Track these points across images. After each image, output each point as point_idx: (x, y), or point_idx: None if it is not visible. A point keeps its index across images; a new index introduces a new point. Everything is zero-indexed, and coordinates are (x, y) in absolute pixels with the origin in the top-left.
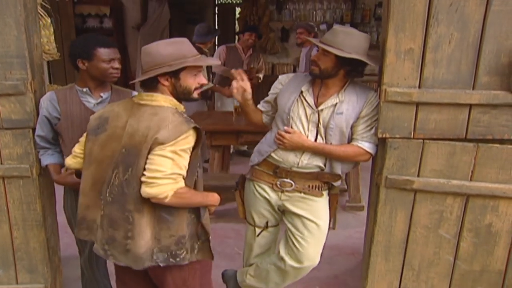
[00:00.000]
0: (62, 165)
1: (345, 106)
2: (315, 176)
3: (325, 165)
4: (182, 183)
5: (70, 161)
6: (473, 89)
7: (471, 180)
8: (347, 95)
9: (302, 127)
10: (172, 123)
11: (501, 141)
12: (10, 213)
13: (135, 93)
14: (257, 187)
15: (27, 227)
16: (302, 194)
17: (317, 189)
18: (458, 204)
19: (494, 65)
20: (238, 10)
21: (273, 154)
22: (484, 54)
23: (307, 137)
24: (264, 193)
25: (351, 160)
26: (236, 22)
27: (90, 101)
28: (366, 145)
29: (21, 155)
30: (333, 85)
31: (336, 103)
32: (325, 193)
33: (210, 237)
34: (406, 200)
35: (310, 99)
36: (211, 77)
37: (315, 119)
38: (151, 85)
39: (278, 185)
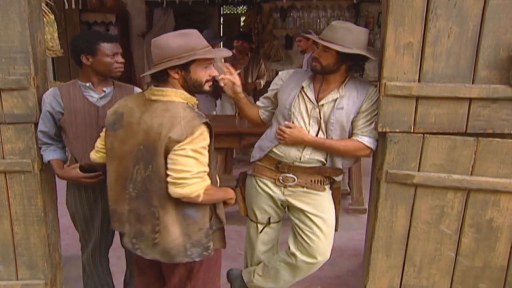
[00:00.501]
0: (64, 160)
1: (345, 101)
2: (317, 170)
3: (326, 160)
4: (208, 180)
5: (93, 156)
6: (472, 83)
7: (471, 174)
8: (347, 90)
9: (303, 122)
10: (184, 119)
11: (502, 135)
12: (11, 208)
13: (137, 88)
14: (259, 182)
15: (28, 223)
16: (305, 189)
17: (319, 183)
18: (459, 199)
19: (493, 59)
20: (243, 19)
21: (274, 149)
22: (483, 48)
23: (308, 132)
24: (267, 188)
25: (352, 155)
26: (241, 30)
27: (93, 95)
28: (366, 140)
29: (23, 150)
30: (334, 80)
31: (337, 98)
32: (327, 187)
33: (224, 225)
34: (407, 195)
35: (311, 95)
36: None
37: (316, 114)
38: (161, 78)
39: (281, 180)
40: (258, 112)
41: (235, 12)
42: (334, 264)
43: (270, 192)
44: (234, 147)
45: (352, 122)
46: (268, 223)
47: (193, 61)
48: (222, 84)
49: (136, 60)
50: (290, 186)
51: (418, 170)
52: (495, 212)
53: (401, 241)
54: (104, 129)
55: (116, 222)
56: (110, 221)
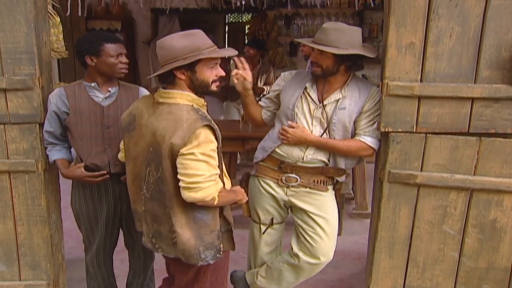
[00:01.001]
0: (70, 160)
1: (348, 101)
2: (320, 171)
3: (329, 160)
4: (221, 183)
5: (120, 155)
6: (474, 83)
7: (474, 174)
8: (349, 90)
9: (306, 123)
10: (187, 122)
11: (504, 135)
12: (15, 208)
13: (142, 89)
14: (262, 183)
15: (31, 223)
16: (308, 189)
17: (322, 183)
18: (462, 199)
19: (495, 59)
20: (247, 27)
21: (277, 150)
22: (485, 48)
23: (311, 132)
24: (270, 188)
25: (354, 155)
26: (246, 38)
27: (98, 95)
28: (369, 140)
29: (27, 149)
30: (336, 81)
31: (339, 99)
32: (330, 188)
33: (232, 227)
34: (410, 195)
35: (314, 95)
36: None
37: (319, 114)
38: (168, 79)
39: (284, 180)
40: (261, 112)
41: (240, 20)
42: (337, 267)
43: (273, 193)
44: (237, 151)
45: (354, 122)
46: (271, 224)
47: (199, 61)
48: (235, 80)
49: (142, 67)
50: (293, 186)
51: (421, 170)
52: (499, 212)
53: (404, 241)
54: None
55: (137, 221)
56: (114, 222)
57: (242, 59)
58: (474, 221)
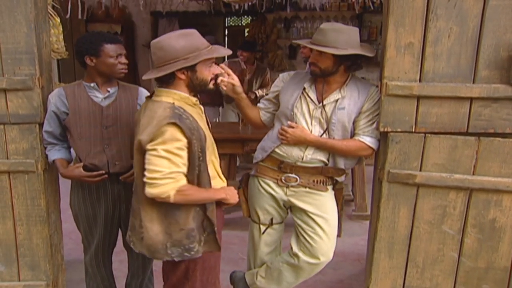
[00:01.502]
0: (69, 160)
1: (347, 101)
2: (319, 170)
3: (328, 160)
4: (183, 181)
5: None
6: (473, 82)
7: (473, 174)
8: (348, 90)
9: (306, 123)
10: (158, 119)
11: (503, 135)
12: (15, 209)
13: (141, 89)
14: (261, 183)
15: (31, 223)
16: (307, 189)
17: (321, 183)
18: (461, 199)
19: (493, 59)
20: (247, 30)
21: (277, 150)
22: (483, 48)
23: (311, 132)
24: (269, 188)
25: (354, 155)
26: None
27: (98, 95)
28: (368, 140)
29: (27, 150)
30: (335, 81)
31: (338, 99)
32: (329, 188)
33: (216, 228)
34: (409, 195)
35: (313, 95)
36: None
37: (318, 114)
38: (168, 80)
39: (283, 180)
40: (259, 113)
41: (239, 24)
42: (337, 268)
43: (273, 193)
44: (237, 153)
45: (353, 122)
46: (271, 224)
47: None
48: (223, 87)
49: (141, 70)
50: (292, 186)
51: (420, 170)
52: (498, 212)
53: (404, 241)
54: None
55: None
56: (113, 222)
57: (223, 65)
58: (473, 221)
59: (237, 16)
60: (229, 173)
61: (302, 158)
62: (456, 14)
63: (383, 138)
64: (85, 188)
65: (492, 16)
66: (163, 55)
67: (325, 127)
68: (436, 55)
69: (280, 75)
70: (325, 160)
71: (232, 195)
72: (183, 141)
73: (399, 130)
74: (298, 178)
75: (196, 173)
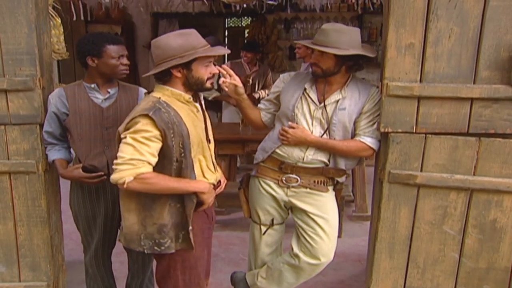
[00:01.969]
0: (68, 160)
1: (348, 101)
2: (320, 171)
3: (329, 161)
4: (144, 169)
5: None
6: (474, 83)
7: (474, 174)
8: (349, 91)
9: (307, 123)
10: (135, 111)
11: (504, 135)
12: (15, 209)
13: (141, 89)
14: (262, 183)
15: (32, 224)
16: (308, 190)
17: (322, 184)
18: (462, 200)
19: (494, 60)
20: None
21: (278, 150)
22: (484, 48)
23: (312, 133)
24: (270, 189)
25: (354, 155)
26: (245, 41)
27: (98, 97)
28: (369, 140)
29: (27, 150)
30: (335, 82)
31: (339, 99)
32: (330, 188)
33: (191, 228)
34: (410, 196)
35: (314, 96)
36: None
37: (319, 115)
38: (164, 78)
39: (284, 181)
40: (260, 114)
41: (239, 24)
42: (337, 269)
43: (273, 193)
44: (237, 153)
45: (354, 123)
46: (272, 224)
47: (195, 59)
48: (225, 88)
49: (142, 71)
50: (293, 186)
51: (421, 170)
52: (499, 212)
53: (404, 242)
54: None
55: None
56: (112, 222)
57: (225, 66)
58: (474, 221)
59: (237, 17)
60: (229, 174)
61: (303, 159)
62: (457, 15)
63: (383, 138)
64: (85, 188)
65: (492, 16)
66: (161, 53)
67: (325, 127)
68: (437, 55)
69: (281, 75)
70: (326, 160)
71: (203, 188)
72: (153, 132)
73: (399, 130)
74: (298, 179)
75: (174, 168)
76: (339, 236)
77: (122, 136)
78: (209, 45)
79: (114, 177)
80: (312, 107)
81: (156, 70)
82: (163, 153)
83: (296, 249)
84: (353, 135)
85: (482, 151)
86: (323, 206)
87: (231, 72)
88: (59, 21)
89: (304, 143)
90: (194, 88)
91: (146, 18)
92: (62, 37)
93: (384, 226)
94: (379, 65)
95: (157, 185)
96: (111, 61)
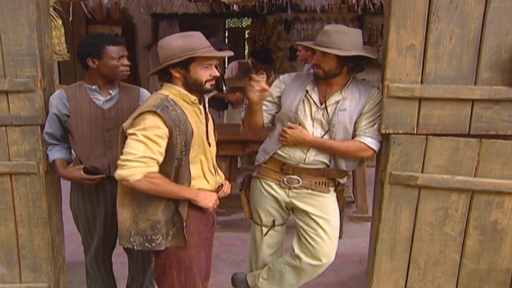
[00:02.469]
0: (69, 161)
1: (348, 102)
2: (321, 172)
3: (330, 162)
4: (154, 168)
5: None
6: (474, 84)
7: (475, 176)
8: (349, 92)
9: (309, 125)
10: (143, 107)
11: (505, 137)
12: (16, 210)
13: (142, 89)
14: (264, 184)
15: (32, 225)
16: (310, 191)
17: (323, 185)
18: (463, 201)
19: (495, 61)
20: (247, 31)
21: (279, 151)
22: (485, 50)
23: (313, 134)
24: (272, 190)
25: (354, 156)
26: (246, 42)
27: (99, 98)
28: (368, 141)
29: (28, 151)
30: (336, 83)
31: (339, 100)
32: (332, 189)
33: (185, 225)
34: (411, 197)
35: (316, 97)
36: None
37: (320, 116)
38: (165, 77)
39: (285, 182)
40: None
41: (240, 25)
42: (338, 270)
43: (275, 194)
44: (238, 154)
45: (355, 124)
46: (273, 225)
47: (193, 60)
48: (254, 98)
49: (142, 71)
50: (294, 188)
51: (422, 172)
52: (500, 213)
53: (405, 243)
54: None
55: None
56: (112, 222)
57: (255, 76)
58: (475, 222)
59: (238, 18)
60: (230, 175)
61: (305, 160)
62: (458, 16)
63: (384, 139)
64: (85, 189)
65: (493, 18)
66: (163, 54)
67: (326, 128)
68: (438, 57)
69: (280, 76)
70: (327, 161)
71: (204, 199)
72: (164, 129)
73: (400, 132)
74: (300, 180)
75: (174, 166)
76: (340, 237)
77: (129, 131)
78: (211, 47)
79: (123, 173)
80: (314, 108)
81: (156, 68)
82: (167, 150)
83: (297, 250)
84: (354, 136)
85: (483, 153)
86: (324, 207)
87: (263, 83)
88: (60, 22)
89: (302, 143)
90: (194, 89)
91: (147, 19)
92: (63, 38)
93: (385, 227)
94: (379, 66)
95: (160, 186)
96: (111, 62)
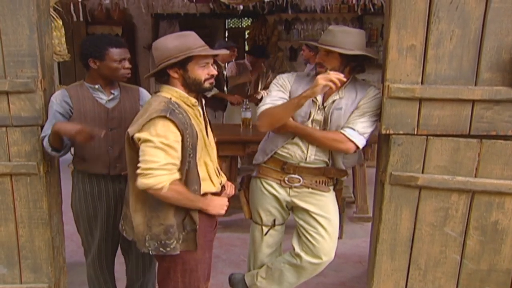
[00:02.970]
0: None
1: (344, 101)
2: (322, 171)
3: (329, 160)
4: (177, 175)
5: None
6: (475, 85)
7: (475, 176)
8: (347, 91)
9: (308, 125)
10: (150, 111)
11: (505, 137)
12: (17, 211)
13: (142, 89)
14: (264, 184)
15: (33, 225)
16: (310, 190)
17: (324, 184)
18: (463, 201)
19: (495, 62)
20: (247, 31)
21: (279, 151)
22: (485, 50)
23: None
24: (272, 189)
25: (329, 146)
26: (246, 42)
27: (102, 97)
28: (349, 132)
29: (29, 152)
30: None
31: (335, 100)
32: (331, 188)
33: (197, 227)
34: (411, 197)
35: (320, 98)
36: (224, 86)
37: (318, 116)
38: (162, 78)
39: (286, 181)
40: None
41: (240, 25)
42: (338, 270)
43: (276, 194)
44: (238, 155)
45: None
46: (273, 225)
47: (190, 60)
48: (332, 86)
49: (142, 72)
50: (295, 187)
51: (422, 172)
52: (500, 214)
53: (406, 243)
54: None
55: None
56: (114, 222)
57: (332, 72)
58: (476, 223)
59: (238, 18)
60: (230, 175)
61: (305, 159)
62: (458, 17)
63: (385, 140)
64: (87, 188)
65: (494, 18)
66: (159, 55)
67: (322, 128)
68: (438, 57)
69: (282, 75)
70: (327, 160)
71: (216, 207)
72: (177, 133)
73: (401, 132)
74: (301, 179)
75: (185, 169)
76: (340, 237)
77: (143, 138)
78: (207, 47)
79: (149, 182)
80: (315, 108)
81: (154, 70)
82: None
83: (297, 249)
84: None
85: (484, 153)
86: (325, 206)
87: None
88: (61, 22)
89: (284, 129)
90: (193, 89)
91: (147, 19)
92: (63, 39)
93: (386, 227)
94: (380, 66)
95: (181, 194)
96: (113, 64)
